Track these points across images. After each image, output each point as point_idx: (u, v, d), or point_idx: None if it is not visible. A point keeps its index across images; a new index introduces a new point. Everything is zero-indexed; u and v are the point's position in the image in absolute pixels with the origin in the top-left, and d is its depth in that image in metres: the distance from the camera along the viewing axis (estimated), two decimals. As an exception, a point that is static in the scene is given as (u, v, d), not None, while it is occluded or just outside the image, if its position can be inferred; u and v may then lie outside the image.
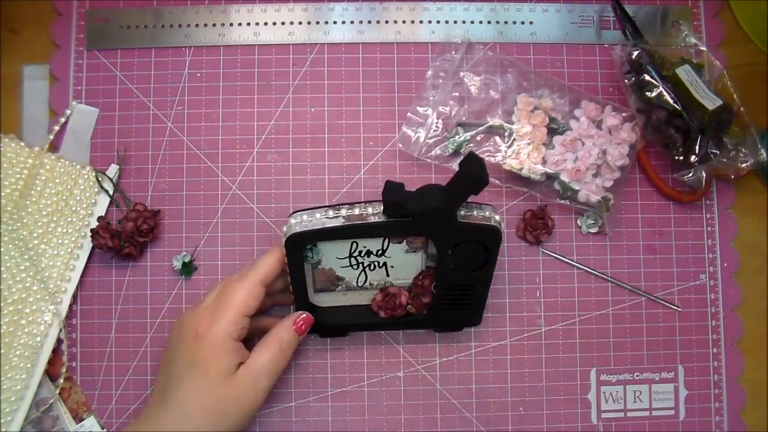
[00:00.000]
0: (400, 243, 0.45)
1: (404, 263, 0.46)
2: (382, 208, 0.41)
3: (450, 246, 0.43)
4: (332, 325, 0.48)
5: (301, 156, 0.52)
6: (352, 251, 0.45)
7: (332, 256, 0.45)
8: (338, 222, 0.41)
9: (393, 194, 0.40)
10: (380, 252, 0.45)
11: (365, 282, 0.47)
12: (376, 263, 0.46)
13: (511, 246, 0.51)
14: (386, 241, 0.44)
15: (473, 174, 0.38)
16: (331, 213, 0.42)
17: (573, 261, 0.51)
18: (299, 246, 0.42)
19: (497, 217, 0.43)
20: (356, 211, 0.42)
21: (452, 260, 0.44)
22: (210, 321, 0.42)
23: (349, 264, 0.45)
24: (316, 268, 0.46)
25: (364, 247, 0.44)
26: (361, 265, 0.46)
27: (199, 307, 0.44)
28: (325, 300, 0.47)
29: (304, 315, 0.45)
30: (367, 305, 0.48)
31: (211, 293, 0.45)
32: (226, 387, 0.41)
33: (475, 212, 0.42)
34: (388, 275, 0.47)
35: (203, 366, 0.41)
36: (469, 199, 0.41)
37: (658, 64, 0.50)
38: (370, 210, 0.42)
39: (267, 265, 0.43)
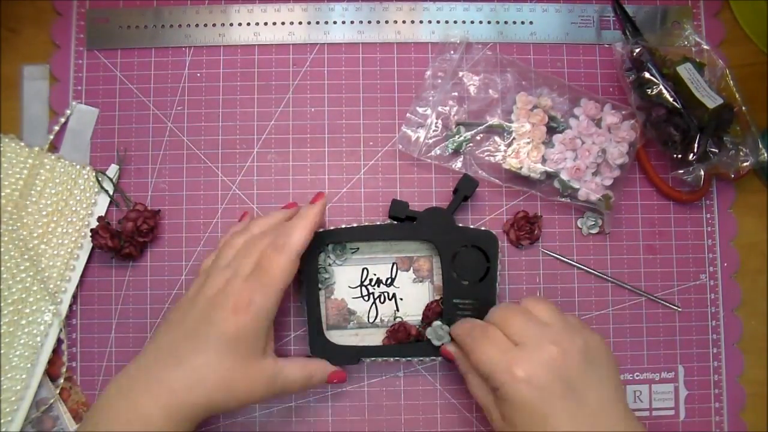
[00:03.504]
0: (407, 271, 0.49)
1: (412, 296, 0.49)
2: (388, 219, 0.48)
3: (451, 251, 0.47)
4: (343, 352, 0.48)
5: (301, 156, 0.52)
6: (363, 279, 0.49)
7: (344, 284, 0.49)
8: (351, 226, 0.48)
9: (398, 202, 0.48)
10: (389, 281, 0.49)
11: (376, 317, 0.49)
12: (385, 294, 0.49)
13: (511, 246, 0.51)
14: (394, 267, 0.49)
15: (465, 178, 0.48)
16: (343, 226, 0.48)
17: (573, 261, 0.51)
18: (314, 250, 0.45)
19: (493, 232, 0.48)
20: (364, 223, 0.49)
21: (455, 268, 0.47)
22: (251, 297, 0.40)
23: (360, 294, 0.49)
24: (329, 298, 0.48)
25: (374, 274, 0.49)
26: (371, 296, 0.49)
27: (237, 278, 0.41)
28: (337, 340, 0.48)
29: (342, 373, 0.46)
30: (378, 346, 0.49)
31: (244, 257, 0.42)
32: (248, 369, 0.41)
33: (470, 226, 0.49)
34: (398, 309, 0.49)
35: (235, 342, 0.40)
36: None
37: (659, 61, 0.50)
38: (378, 222, 0.49)
39: (303, 236, 0.42)
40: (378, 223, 0.48)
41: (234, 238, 0.45)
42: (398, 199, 0.48)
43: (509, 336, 0.41)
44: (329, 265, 0.49)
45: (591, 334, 0.42)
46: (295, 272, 0.42)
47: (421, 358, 0.49)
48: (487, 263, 0.47)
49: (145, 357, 0.41)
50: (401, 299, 0.49)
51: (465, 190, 0.48)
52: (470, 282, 0.47)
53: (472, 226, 0.49)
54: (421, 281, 0.49)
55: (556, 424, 0.38)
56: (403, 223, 0.48)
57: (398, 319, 0.49)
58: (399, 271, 0.49)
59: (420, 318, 0.49)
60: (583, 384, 0.39)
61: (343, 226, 0.48)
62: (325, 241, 0.47)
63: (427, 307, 0.49)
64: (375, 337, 0.49)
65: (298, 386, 0.44)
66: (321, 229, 0.47)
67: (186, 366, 0.39)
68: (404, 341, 0.48)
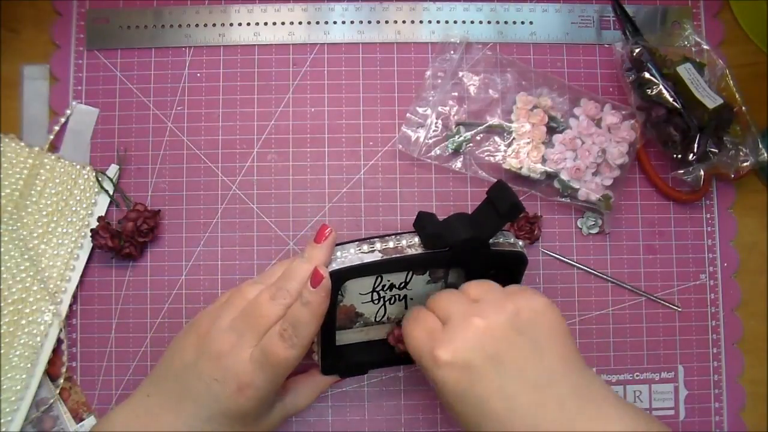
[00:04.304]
0: (422, 275, 0.44)
1: (423, 295, 0.45)
2: (416, 239, 0.41)
3: (479, 276, 0.42)
4: (352, 364, 0.47)
5: (301, 156, 0.52)
6: (376, 286, 0.44)
7: (355, 292, 0.44)
8: (376, 257, 0.40)
9: (430, 226, 0.40)
10: (402, 285, 0.45)
11: (383, 317, 0.47)
12: (396, 296, 0.46)
13: (511, 246, 0.51)
14: (410, 273, 0.44)
15: (512, 202, 0.39)
16: (365, 248, 0.41)
17: (573, 261, 0.51)
18: (336, 285, 0.40)
19: (521, 243, 0.43)
20: (391, 245, 0.41)
21: None
22: (256, 381, 0.38)
23: (371, 300, 0.45)
24: (338, 306, 0.44)
25: (389, 280, 0.44)
26: (382, 299, 0.45)
27: (241, 352, 0.38)
28: (340, 338, 0.46)
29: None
30: (383, 339, 0.47)
31: (249, 329, 0.38)
32: (258, 426, 0.41)
33: (501, 239, 0.43)
34: (406, 308, 0.46)
35: (241, 418, 0.39)
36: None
37: (659, 61, 0.50)
38: (404, 242, 0.41)
39: (313, 330, 0.38)
40: (404, 243, 0.41)
41: (246, 287, 0.41)
42: (424, 212, 0.41)
43: (438, 317, 0.38)
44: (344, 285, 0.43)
45: (528, 300, 0.37)
46: (303, 356, 0.39)
47: None
48: (511, 281, 0.43)
49: (150, 398, 0.40)
50: (411, 299, 0.46)
51: (510, 215, 0.40)
52: None
53: (501, 239, 0.43)
54: (435, 282, 0.45)
55: (491, 407, 0.34)
56: (435, 253, 0.41)
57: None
58: (415, 276, 0.44)
59: None
60: (516, 356, 0.35)
61: (365, 255, 0.40)
62: (345, 280, 0.41)
63: None
64: (380, 332, 0.47)
65: (307, 406, 0.45)
66: (339, 266, 0.40)
67: (190, 425, 0.39)
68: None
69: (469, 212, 0.46)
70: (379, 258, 0.40)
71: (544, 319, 0.36)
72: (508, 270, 0.43)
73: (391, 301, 0.46)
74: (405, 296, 0.46)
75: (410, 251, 0.41)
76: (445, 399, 0.36)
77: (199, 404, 0.38)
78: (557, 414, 0.34)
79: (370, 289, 0.44)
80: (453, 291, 0.40)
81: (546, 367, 0.35)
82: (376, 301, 0.45)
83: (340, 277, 0.40)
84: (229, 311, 0.40)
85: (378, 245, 0.41)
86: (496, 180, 0.48)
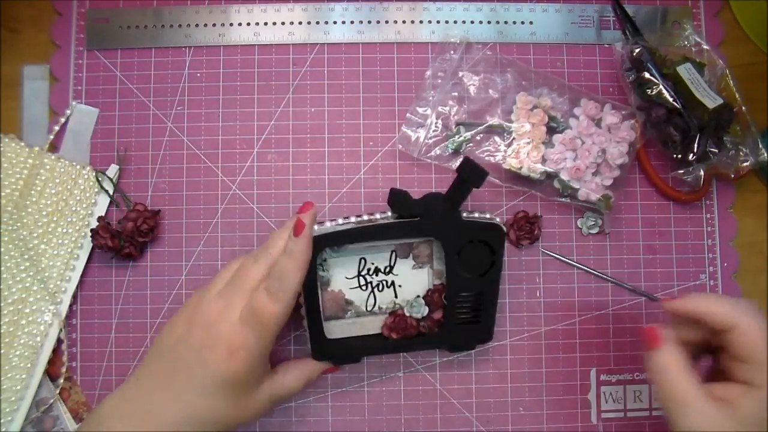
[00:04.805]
0: (407, 257, 0.47)
1: (411, 282, 0.47)
2: (388, 213, 0.44)
3: (457, 247, 0.45)
4: (345, 352, 0.47)
5: (301, 156, 0.52)
6: (361, 270, 0.47)
7: (341, 275, 0.46)
8: (349, 226, 0.43)
9: (399, 196, 0.43)
10: (388, 269, 0.47)
11: (374, 306, 0.48)
12: (384, 283, 0.47)
13: (511, 246, 0.51)
14: (393, 255, 0.46)
15: (473, 167, 0.42)
16: (340, 221, 0.44)
17: (573, 261, 0.51)
18: (315, 251, 0.41)
19: (497, 219, 0.45)
20: (365, 218, 0.44)
21: (460, 264, 0.45)
22: (246, 342, 0.39)
23: (357, 285, 0.47)
24: (325, 290, 0.46)
25: (372, 263, 0.47)
26: (369, 285, 0.47)
27: (230, 315, 0.39)
28: (334, 330, 0.47)
29: (335, 367, 0.47)
30: (378, 333, 0.48)
31: (236, 292, 0.40)
32: (246, 402, 0.41)
33: (476, 214, 0.45)
34: (396, 296, 0.47)
35: (231, 384, 0.39)
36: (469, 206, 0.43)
37: (658, 61, 0.50)
38: (378, 216, 0.44)
39: (297, 279, 0.40)
40: (377, 216, 0.45)
41: (231, 262, 0.43)
42: (397, 188, 0.44)
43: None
44: (324, 260, 0.46)
45: None
46: (290, 313, 0.40)
47: (422, 356, 0.49)
48: (493, 256, 0.45)
49: (141, 380, 0.40)
50: (400, 286, 0.47)
51: (473, 181, 0.43)
52: (474, 275, 0.46)
53: (476, 214, 0.45)
54: (420, 267, 0.47)
55: None
56: (405, 221, 0.44)
57: (397, 307, 0.47)
58: (398, 259, 0.47)
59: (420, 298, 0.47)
60: None
61: (341, 226, 0.43)
62: (323, 246, 0.44)
63: (429, 297, 0.47)
64: (374, 324, 0.48)
65: (298, 392, 0.45)
66: (317, 233, 0.43)
67: (182, 404, 0.39)
68: (405, 335, 0.47)
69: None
70: (352, 227, 0.43)
71: None
72: (486, 245, 0.45)
73: (380, 288, 0.47)
74: (393, 283, 0.47)
75: (382, 221, 0.44)
76: (750, 407, 0.37)
77: (191, 375, 0.39)
78: None
79: (356, 273, 0.47)
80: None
81: None
82: (363, 287, 0.47)
83: (317, 244, 0.42)
84: (216, 284, 0.42)
85: (353, 219, 0.44)
86: (495, 179, 0.49)
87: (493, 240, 0.45)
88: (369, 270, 0.47)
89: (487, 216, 0.45)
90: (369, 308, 0.48)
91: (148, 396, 0.39)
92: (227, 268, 0.43)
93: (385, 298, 0.48)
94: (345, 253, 0.46)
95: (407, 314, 0.47)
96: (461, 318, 0.47)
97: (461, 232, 0.44)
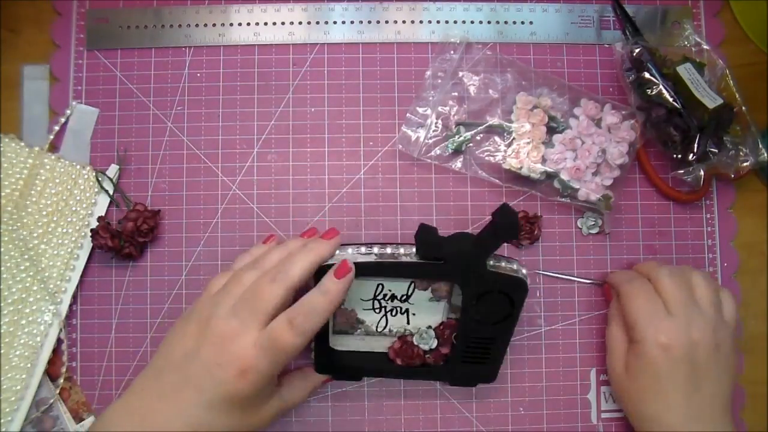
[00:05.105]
0: (425, 290, 0.46)
1: (426, 312, 0.47)
2: (414, 249, 0.42)
3: (476, 295, 0.43)
4: (348, 369, 0.47)
5: (301, 156, 0.52)
6: (377, 294, 0.46)
7: (357, 297, 0.46)
8: (370, 258, 0.42)
9: (427, 235, 0.41)
10: (404, 297, 0.46)
11: (385, 327, 0.47)
12: (398, 309, 0.46)
13: (511, 246, 0.51)
14: (412, 286, 0.45)
15: (510, 219, 0.39)
16: (363, 249, 0.42)
17: (572, 276, 0.51)
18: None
19: (524, 271, 0.43)
20: (388, 251, 0.42)
21: (477, 311, 0.43)
22: (258, 364, 0.38)
23: (372, 307, 0.46)
24: (338, 308, 0.44)
25: (389, 290, 0.45)
26: (383, 309, 0.46)
27: (243, 331, 0.39)
28: (341, 343, 0.47)
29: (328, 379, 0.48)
30: (383, 353, 0.47)
31: (249, 307, 0.39)
32: (254, 416, 0.41)
33: (503, 263, 0.43)
34: (408, 323, 0.47)
35: (240, 402, 0.39)
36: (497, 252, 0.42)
37: (658, 61, 0.50)
38: (402, 250, 0.42)
39: (303, 269, 0.40)
40: (401, 251, 0.42)
41: (242, 273, 0.42)
42: (426, 224, 0.42)
43: (665, 301, 0.44)
44: None
45: (729, 336, 0.45)
46: (290, 302, 0.39)
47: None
48: (511, 308, 0.43)
49: (148, 390, 0.40)
50: (414, 314, 0.47)
51: (505, 232, 0.40)
52: (489, 322, 0.44)
53: (503, 263, 0.43)
54: (437, 300, 0.46)
55: (669, 397, 0.43)
56: (429, 263, 0.42)
57: (407, 332, 0.47)
58: (416, 290, 0.46)
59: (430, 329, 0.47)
60: (706, 374, 0.43)
61: (363, 256, 0.42)
62: None
63: (440, 330, 0.47)
64: (381, 344, 0.47)
65: (303, 402, 0.46)
66: (332, 261, 0.41)
67: (188, 417, 0.38)
68: (409, 363, 0.46)
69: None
70: (372, 260, 0.41)
71: (731, 357, 0.45)
72: (507, 296, 0.43)
73: (393, 313, 0.46)
74: (407, 310, 0.47)
75: (405, 259, 0.42)
76: (636, 365, 0.44)
77: (200, 391, 0.38)
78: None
79: (372, 296, 0.46)
80: (681, 280, 0.45)
81: (716, 391, 0.44)
82: (377, 310, 0.46)
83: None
84: (227, 298, 0.40)
85: (375, 249, 0.42)
86: (495, 179, 0.48)
87: (515, 294, 0.43)
88: (385, 296, 0.46)
89: (514, 267, 0.43)
90: (379, 329, 0.47)
91: (153, 408, 0.39)
92: (238, 281, 0.41)
93: (396, 322, 0.47)
94: (364, 277, 0.44)
95: (415, 343, 0.46)
96: (469, 360, 0.46)
97: (484, 281, 0.42)
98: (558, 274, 0.51)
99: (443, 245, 0.41)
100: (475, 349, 0.45)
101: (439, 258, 0.41)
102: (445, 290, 0.46)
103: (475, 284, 0.42)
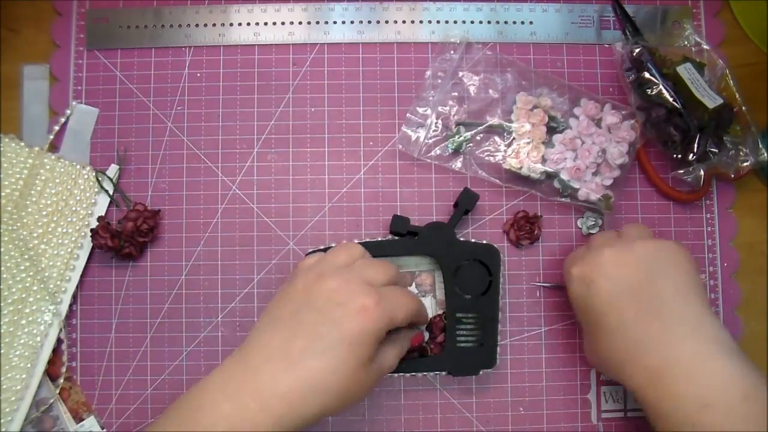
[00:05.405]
0: (409, 286, 0.49)
1: None
2: (390, 237, 0.48)
3: (453, 265, 0.47)
4: None
5: (301, 156, 0.52)
6: None
7: None
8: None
9: (399, 217, 0.48)
10: None
11: None
12: None
13: (511, 246, 0.51)
14: None
15: (469, 195, 0.48)
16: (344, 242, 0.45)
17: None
18: None
19: (495, 246, 0.48)
20: (367, 240, 0.48)
21: (457, 283, 0.47)
22: (379, 300, 0.38)
23: None
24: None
25: None
26: None
27: (362, 280, 0.39)
28: None
29: (420, 335, 0.45)
30: None
31: (372, 267, 0.40)
32: (366, 373, 0.38)
33: (473, 239, 0.49)
34: None
35: (358, 345, 0.37)
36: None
37: (658, 61, 0.50)
38: (379, 238, 0.48)
39: (407, 313, 0.41)
40: (378, 238, 0.48)
41: (351, 246, 0.43)
42: (399, 214, 0.48)
43: (587, 247, 0.46)
44: None
45: (659, 243, 0.43)
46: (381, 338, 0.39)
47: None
48: (490, 277, 0.47)
49: (249, 355, 0.38)
50: None
51: (466, 204, 0.48)
52: (473, 296, 0.47)
53: (473, 240, 0.49)
54: (423, 296, 0.49)
55: (606, 319, 0.42)
56: (403, 239, 0.47)
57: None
58: None
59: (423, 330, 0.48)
60: (632, 280, 0.42)
61: (342, 243, 0.45)
62: None
63: (432, 323, 0.48)
64: None
65: (390, 369, 0.43)
66: (317, 248, 0.46)
67: (301, 371, 0.36)
68: (406, 355, 0.46)
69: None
70: (359, 242, 0.45)
71: (670, 260, 0.42)
72: (483, 265, 0.47)
73: None
74: None
75: (382, 239, 0.48)
76: (574, 309, 0.45)
77: (314, 336, 0.37)
78: (659, 335, 0.40)
79: None
80: (611, 230, 0.46)
81: (656, 294, 0.41)
82: None
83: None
84: (330, 261, 0.41)
85: (355, 241, 0.47)
86: (495, 179, 0.49)
87: (489, 260, 0.47)
88: None
89: (484, 241, 0.48)
90: None
91: (258, 369, 0.37)
92: (347, 250, 0.42)
93: None
94: None
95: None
96: (463, 342, 0.47)
97: (456, 250, 0.47)
98: (555, 285, 0.51)
99: (415, 226, 0.47)
100: (467, 330, 0.47)
101: (414, 233, 0.47)
102: (429, 284, 0.49)
103: (450, 255, 0.47)
